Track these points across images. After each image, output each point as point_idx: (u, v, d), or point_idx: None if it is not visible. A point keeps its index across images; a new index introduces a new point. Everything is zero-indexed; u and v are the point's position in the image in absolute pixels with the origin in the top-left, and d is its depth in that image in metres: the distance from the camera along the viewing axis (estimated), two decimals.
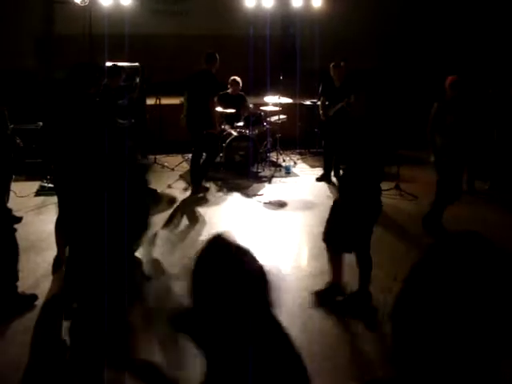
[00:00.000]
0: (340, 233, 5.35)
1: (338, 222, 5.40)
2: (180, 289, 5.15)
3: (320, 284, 5.82)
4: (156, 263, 6.18)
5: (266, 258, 6.02)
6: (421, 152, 11.54)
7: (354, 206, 5.27)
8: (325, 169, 9.87)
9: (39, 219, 6.51)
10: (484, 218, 8.07)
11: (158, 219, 7.58)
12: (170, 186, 9.17)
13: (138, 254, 6.15)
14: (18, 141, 5.49)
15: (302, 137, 11.95)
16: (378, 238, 7.12)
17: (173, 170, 10.21)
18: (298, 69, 12.77)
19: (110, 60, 11.24)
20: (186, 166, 10.47)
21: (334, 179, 9.72)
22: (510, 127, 9.18)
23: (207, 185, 9.22)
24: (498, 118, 9.23)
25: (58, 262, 5.91)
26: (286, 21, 14.76)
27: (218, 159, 10.28)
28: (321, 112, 9.78)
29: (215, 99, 9.29)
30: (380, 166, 5.52)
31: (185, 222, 7.58)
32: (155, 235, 6.94)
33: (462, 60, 12.81)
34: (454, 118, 8.67)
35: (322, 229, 7.35)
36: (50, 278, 5.79)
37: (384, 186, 9.13)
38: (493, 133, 9.29)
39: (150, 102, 10.93)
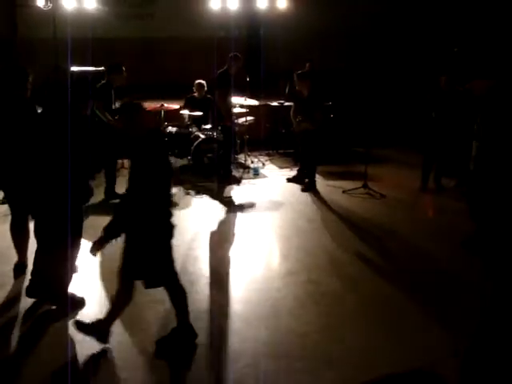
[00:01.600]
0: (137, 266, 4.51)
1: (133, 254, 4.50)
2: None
3: (289, 284, 5.88)
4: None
5: (235, 259, 6.12)
6: (387, 150, 11.77)
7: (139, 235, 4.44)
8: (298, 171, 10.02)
9: (4, 228, 6.41)
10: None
11: None
12: None
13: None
14: None
15: (269, 138, 12.03)
16: (349, 235, 7.31)
17: None
18: (263, 70, 12.82)
19: (75, 64, 11.22)
20: None
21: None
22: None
23: (176, 189, 9.20)
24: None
25: (19, 267, 5.87)
26: (251, 22, 14.79)
27: (186, 162, 10.29)
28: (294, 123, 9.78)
29: (222, 94, 9.52)
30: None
31: None
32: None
33: (432, 58, 12.99)
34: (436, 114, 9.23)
35: (290, 230, 7.51)
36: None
37: (352, 184, 9.38)
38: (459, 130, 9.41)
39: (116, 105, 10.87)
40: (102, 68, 10.90)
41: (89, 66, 11.24)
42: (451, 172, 9.82)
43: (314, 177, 9.64)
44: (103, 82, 8.64)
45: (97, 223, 7.26)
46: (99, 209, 7.70)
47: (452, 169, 9.85)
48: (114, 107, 8.48)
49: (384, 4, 14.49)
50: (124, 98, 8.71)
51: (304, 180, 9.69)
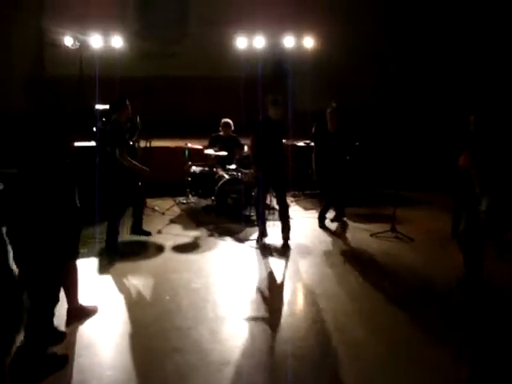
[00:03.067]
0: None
1: None
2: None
3: (314, 330, 5.57)
4: (141, 313, 5.92)
5: (257, 305, 5.84)
6: (417, 193, 11.49)
7: None
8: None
9: None
10: None
11: (147, 267, 7.37)
12: (160, 232, 8.91)
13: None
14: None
15: (295, 178, 11.79)
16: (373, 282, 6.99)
17: (163, 214, 9.98)
18: (290, 109, 12.66)
19: (101, 102, 11.17)
20: (177, 210, 10.26)
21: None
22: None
23: (198, 231, 9.01)
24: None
25: None
26: (277, 61, 14.73)
27: (210, 202, 10.11)
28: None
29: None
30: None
31: (174, 270, 7.28)
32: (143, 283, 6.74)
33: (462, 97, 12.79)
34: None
35: (315, 276, 7.21)
36: None
37: (380, 227, 9.08)
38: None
39: (141, 144, 10.76)
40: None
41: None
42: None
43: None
44: (110, 125, 8.11)
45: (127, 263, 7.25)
46: (131, 247, 8.01)
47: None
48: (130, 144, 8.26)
49: (411, 42, 14.37)
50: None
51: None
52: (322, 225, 9.54)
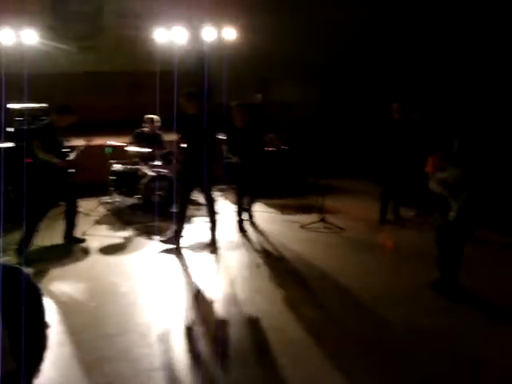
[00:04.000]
0: None
1: None
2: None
3: (244, 329, 5.44)
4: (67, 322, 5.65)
5: (187, 305, 5.66)
6: (344, 181, 11.58)
7: None
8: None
9: None
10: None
11: (73, 271, 7.08)
12: (85, 234, 8.57)
13: None
14: None
15: (222, 172, 11.63)
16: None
17: (88, 214, 9.62)
18: (210, 104, 12.50)
19: (13, 101, 10.71)
20: (102, 211, 9.92)
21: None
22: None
23: (125, 231, 8.75)
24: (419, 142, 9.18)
25: None
26: (198, 55, 14.50)
27: (135, 201, 9.86)
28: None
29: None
30: None
31: (101, 274, 7.01)
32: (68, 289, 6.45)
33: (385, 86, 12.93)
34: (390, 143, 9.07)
35: (246, 271, 7.09)
36: None
37: (309, 218, 9.05)
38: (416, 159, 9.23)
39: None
40: (44, 105, 10.50)
41: (28, 102, 10.70)
42: (410, 202, 9.66)
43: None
44: (46, 121, 8.00)
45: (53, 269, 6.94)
46: (57, 253, 7.70)
47: (411, 199, 9.68)
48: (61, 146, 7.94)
49: (332, 35, 14.41)
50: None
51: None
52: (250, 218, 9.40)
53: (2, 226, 6.89)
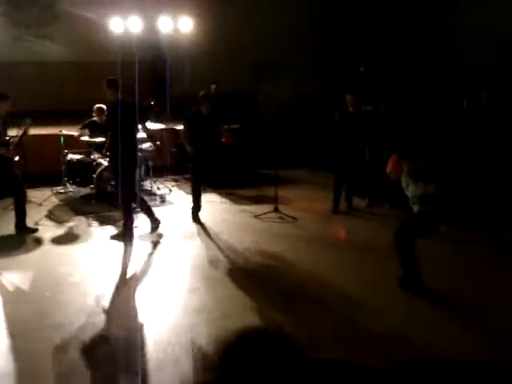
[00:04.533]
0: None
1: None
2: None
3: (196, 322, 5.52)
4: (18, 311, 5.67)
5: (141, 294, 5.74)
6: (298, 171, 11.75)
7: None
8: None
9: None
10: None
11: (25, 261, 7.07)
12: (37, 224, 8.54)
13: None
14: None
15: (175, 163, 11.66)
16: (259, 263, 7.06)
17: (40, 204, 9.57)
18: (168, 94, 12.54)
19: None
20: (54, 201, 9.88)
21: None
22: (380, 143, 9.39)
23: (78, 221, 8.75)
24: (371, 134, 9.37)
25: None
26: (156, 46, 14.46)
27: (89, 191, 9.84)
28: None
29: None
30: None
31: (53, 263, 7.01)
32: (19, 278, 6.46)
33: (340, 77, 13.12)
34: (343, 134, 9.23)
35: (198, 261, 7.18)
36: None
37: (263, 209, 9.17)
38: (366, 149, 9.42)
39: (11, 133, 10.21)
40: None
41: None
42: (362, 192, 9.86)
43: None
44: None
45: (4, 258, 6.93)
46: (9, 242, 7.69)
47: (363, 188, 9.89)
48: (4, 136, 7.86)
49: (287, 23, 14.54)
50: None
51: None
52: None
53: None
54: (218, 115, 9.34)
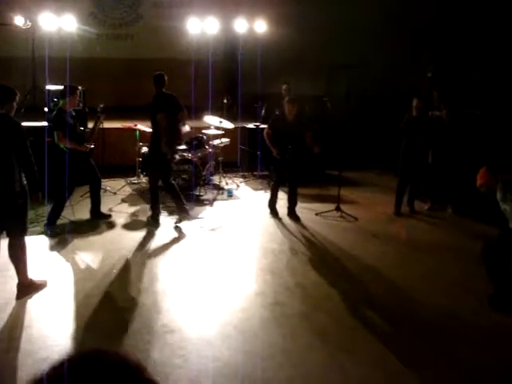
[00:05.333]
0: None
1: None
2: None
3: (255, 305, 5.88)
4: (88, 286, 6.17)
5: (201, 278, 6.13)
6: (364, 173, 11.92)
7: None
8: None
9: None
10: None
11: (97, 243, 7.61)
12: (111, 210, 9.13)
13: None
14: None
15: (245, 160, 12.07)
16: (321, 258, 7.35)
17: (115, 193, 10.18)
18: (240, 92, 12.94)
19: (53, 83, 11.25)
20: (128, 190, 10.47)
21: None
22: (444, 149, 9.49)
23: (148, 210, 9.26)
24: (433, 139, 9.47)
25: None
26: (229, 45, 14.93)
27: (160, 183, 10.33)
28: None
29: None
30: None
31: (123, 246, 7.54)
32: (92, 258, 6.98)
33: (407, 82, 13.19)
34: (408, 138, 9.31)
35: (259, 252, 7.54)
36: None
37: (325, 207, 9.43)
38: (428, 154, 9.53)
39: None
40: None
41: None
42: (425, 195, 9.97)
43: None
44: (54, 111, 8.19)
45: (79, 240, 7.48)
46: (85, 226, 8.26)
47: (426, 192, 9.99)
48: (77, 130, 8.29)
49: (361, 31, 14.68)
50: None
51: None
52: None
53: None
54: (304, 121, 9.36)
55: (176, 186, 8.85)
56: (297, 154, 9.03)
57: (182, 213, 8.69)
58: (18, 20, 12.82)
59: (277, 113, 9.64)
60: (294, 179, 9.23)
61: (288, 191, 9.33)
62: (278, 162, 9.10)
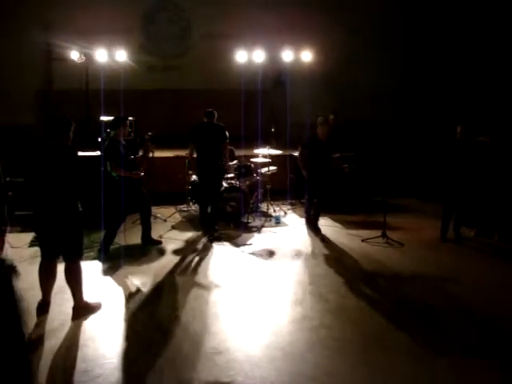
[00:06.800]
0: None
1: None
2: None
3: (302, 328, 5.98)
4: (140, 309, 6.38)
5: (249, 302, 6.27)
6: (406, 200, 11.92)
7: None
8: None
9: (32, 269, 6.68)
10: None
11: (149, 268, 7.85)
12: (161, 236, 9.38)
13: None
14: (9, 193, 5.81)
15: (292, 188, 12.22)
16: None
17: (165, 221, 10.45)
18: (288, 121, 13.15)
19: (107, 114, 11.67)
20: (178, 217, 10.73)
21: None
22: (489, 174, 9.48)
23: (196, 236, 9.52)
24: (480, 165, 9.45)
25: (42, 306, 6.19)
26: (277, 74, 15.18)
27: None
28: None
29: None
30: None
31: (173, 271, 7.76)
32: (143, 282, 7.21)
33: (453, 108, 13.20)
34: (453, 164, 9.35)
35: (305, 277, 7.65)
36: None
37: (371, 233, 9.50)
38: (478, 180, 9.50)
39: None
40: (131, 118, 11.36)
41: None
42: (471, 222, 9.92)
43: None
44: (106, 142, 8.56)
45: (131, 265, 7.78)
46: (136, 252, 8.61)
47: (472, 218, 9.94)
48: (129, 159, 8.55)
49: (405, 58, 14.80)
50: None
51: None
52: (314, 228, 10.09)
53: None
54: (334, 142, 9.95)
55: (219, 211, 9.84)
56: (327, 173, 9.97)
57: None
58: (74, 54, 13.37)
59: (309, 134, 10.35)
60: (322, 196, 10.10)
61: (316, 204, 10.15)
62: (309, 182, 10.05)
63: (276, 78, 15.24)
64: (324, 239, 9.54)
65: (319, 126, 10.03)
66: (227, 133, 9.77)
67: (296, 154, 12.29)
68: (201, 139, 9.76)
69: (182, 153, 11.03)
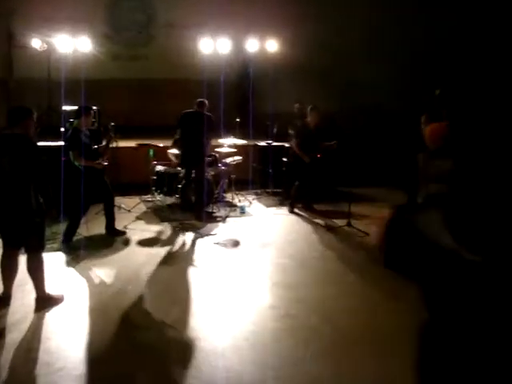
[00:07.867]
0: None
1: None
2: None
3: (267, 318, 5.99)
4: (104, 301, 6.32)
5: (214, 293, 6.26)
6: (375, 189, 11.99)
7: None
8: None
9: None
10: None
11: (113, 259, 7.78)
12: (125, 227, 9.30)
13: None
14: None
15: (256, 177, 12.22)
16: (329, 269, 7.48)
17: (129, 211, 10.36)
18: (252, 111, 13.13)
19: (68, 104, 11.52)
20: (142, 208, 10.65)
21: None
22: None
23: (163, 226, 9.45)
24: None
25: (3, 299, 6.10)
26: (241, 65, 15.15)
27: (174, 200, 10.52)
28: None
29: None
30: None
31: (138, 262, 7.69)
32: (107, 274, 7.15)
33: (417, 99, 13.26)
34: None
35: (271, 267, 7.67)
36: None
37: (336, 223, 9.56)
38: None
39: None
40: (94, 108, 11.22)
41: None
42: None
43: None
44: (70, 131, 8.43)
45: (94, 256, 7.67)
46: (99, 243, 8.48)
47: None
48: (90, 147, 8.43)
49: (372, 46, 14.83)
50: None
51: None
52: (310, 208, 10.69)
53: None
54: (323, 130, 10.23)
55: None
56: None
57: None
58: (35, 42, 13.15)
59: (298, 124, 10.62)
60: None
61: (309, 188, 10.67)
62: (307, 167, 10.33)
63: (241, 70, 15.20)
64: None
65: (309, 114, 10.37)
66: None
67: (262, 143, 12.38)
68: (188, 127, 9.90)
69: (146, 142, 10.97)
